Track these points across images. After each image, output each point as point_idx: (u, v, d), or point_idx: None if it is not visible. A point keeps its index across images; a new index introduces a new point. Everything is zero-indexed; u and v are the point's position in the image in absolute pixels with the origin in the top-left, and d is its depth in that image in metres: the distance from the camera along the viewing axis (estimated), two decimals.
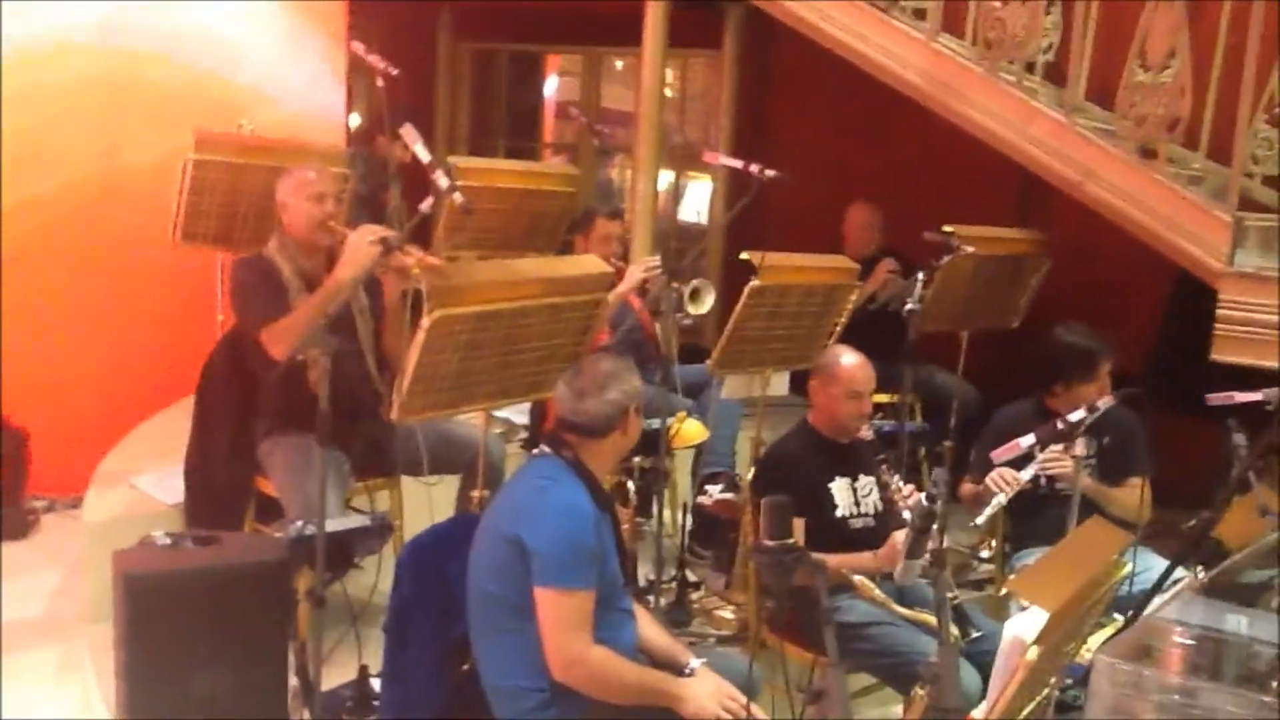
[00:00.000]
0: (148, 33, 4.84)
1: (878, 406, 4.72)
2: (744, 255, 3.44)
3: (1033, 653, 1.81)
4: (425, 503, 3.43)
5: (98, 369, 4.92)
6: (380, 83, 4.17)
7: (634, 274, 3.98)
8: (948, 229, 4.02)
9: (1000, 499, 3.49)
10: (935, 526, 1.98)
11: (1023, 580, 1.95)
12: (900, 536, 3.12)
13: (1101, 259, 5.32)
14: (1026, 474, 3.52)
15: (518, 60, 7.50)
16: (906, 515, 3.19)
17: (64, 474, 4.88)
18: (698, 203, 7.67)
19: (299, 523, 2.75)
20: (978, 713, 1.94)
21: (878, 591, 2.71)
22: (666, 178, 5.86)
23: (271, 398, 3.47)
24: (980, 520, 3.49)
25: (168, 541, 2.61)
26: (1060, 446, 3.56)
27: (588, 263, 2.88)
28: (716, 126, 6.30)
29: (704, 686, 2.57)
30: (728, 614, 3.91)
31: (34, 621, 3.91)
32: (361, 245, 3.15)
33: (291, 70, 5.24)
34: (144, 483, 3.89)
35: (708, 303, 3.90)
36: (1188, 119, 3.95)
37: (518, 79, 7.53)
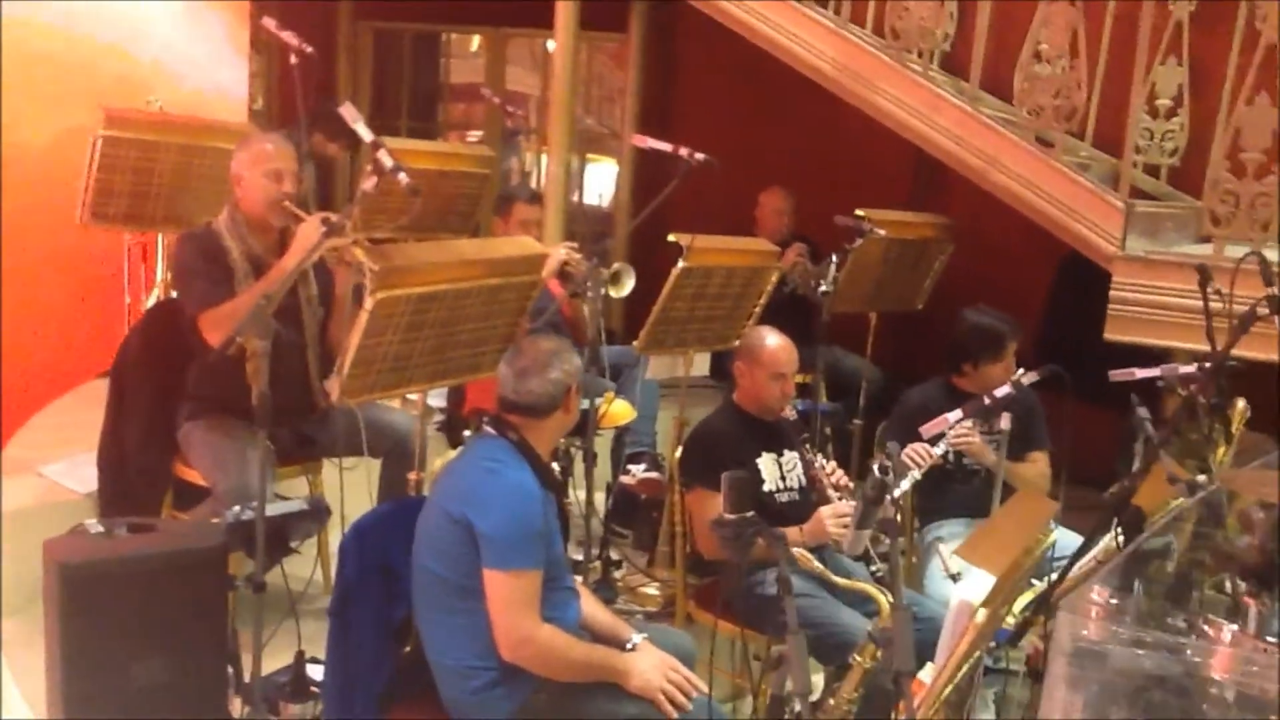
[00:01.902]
0: (45, 4, 4.66)
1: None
2: (672, 237, 3.50)
3: (980, 615, 1.92)
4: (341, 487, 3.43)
5: None
6: (294, 60, 4.10)
7: (555, 258, 4.01)
8: (860, 213, 4.15)
9: (915, 473, 3.63)
10: (886, 498, 2.07)
11: (968, 547, 2.06)
12: (826, 511, 3.25)
13: (989, 244, 5.55)
14: (939, 449, 3.67)
15: (419, 40, 7.42)
16: (832, 492, 3.32)
17: None
18: (599, 186, 7.71)
19: (236, 508, 2.71)
20: (927, 673, 2.04)
21: (816, 563, 2.80)
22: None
23: (198, 380, 3.40)
24: (897, 493, 3.62)
25: (101, 529, 2.56)
26: (969, 423, 3.74)
27: (524, 244, 2.91)
28: (622, 110, 6.34)
29: (647, 660, 2.63)
30: (652, 590, 3.98)
31: None
32: (311, 233, 3.07)
33: (194, 46, 5.10)
34: (53, 471, 3.78)
35: (628, 285, 3.95)
36: (1083, 110, 4.16)
37: (419, 60, 7.45)
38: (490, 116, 6.73)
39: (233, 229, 3.36)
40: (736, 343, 3.92)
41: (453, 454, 3.24)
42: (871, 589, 2.87)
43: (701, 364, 3.97)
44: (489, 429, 2.66)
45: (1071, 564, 2.38)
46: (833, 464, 3.37)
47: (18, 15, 4.55)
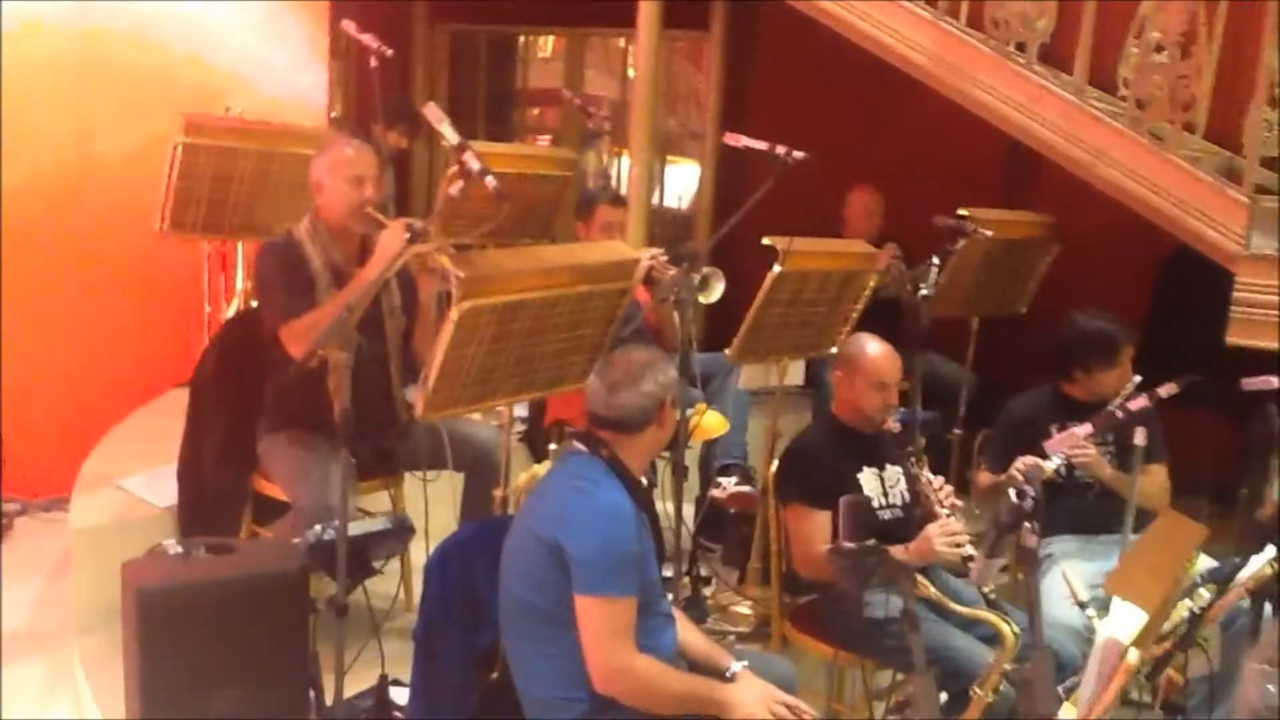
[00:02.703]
0: (121, 12, 4.64)
1: None
2: (767, 240, 3.33)
3: (1133, 655, 1.72)
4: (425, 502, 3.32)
5: (71, 365, 4.73)
6: (374, 62, 4.00)
7: (640, 264, 3.85)
8: (962, 212, 3.93)
9: (1030, 489, 3.42)
10: (1023, 525, 1.88)
11: (1117, 580, 1.85)
12: (934, 529, 3.05)
13: (1085, 244, 5.28)
14: (1052, 462, 3.45)
15: (494, 44, 7.33)
16: (942, 510, 3.11)
17: (37, 475, 4.69)
18: (679, 188, 7.55)
19: (316, 528, 2.60)
20: (1067, 713, 1.84)
21: (933, 590, 2.61)
22: None
23: (279, 394, 3.31)
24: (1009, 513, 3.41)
25: (179, 550, 2.46)
26: (1084, 434, 3.51)
27: (614, 249, 2.75)
28: (701, 110, 6.17)
29: (750, 692, 2.46)
30: (744, 609, 3.80)
31: (16, 633, 3.71)
32: (395, 240, 2.96)
33: (272, 53, 5.05)
34: (132, 484, 3.71)
35: (718, 291, 3.76)
36: (1202, 101, 3.90)
37: (493, 63, 7.35)
38: (566, 120, 6.61)
39: (314, 237, 3.26)
40: (833, 350, 3.75)
41: (538, 468, 3.09)
42: (995, 619, 2.66)
43: (796, 372, 3.77)
44: (579, 445, 2.51)
45: (1222, 590, 2.16)
46: (939, 479, 3.16)
47: (94, 26, 4.53)
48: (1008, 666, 2.50)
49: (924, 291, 3.82)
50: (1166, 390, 3.07)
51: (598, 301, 2.74)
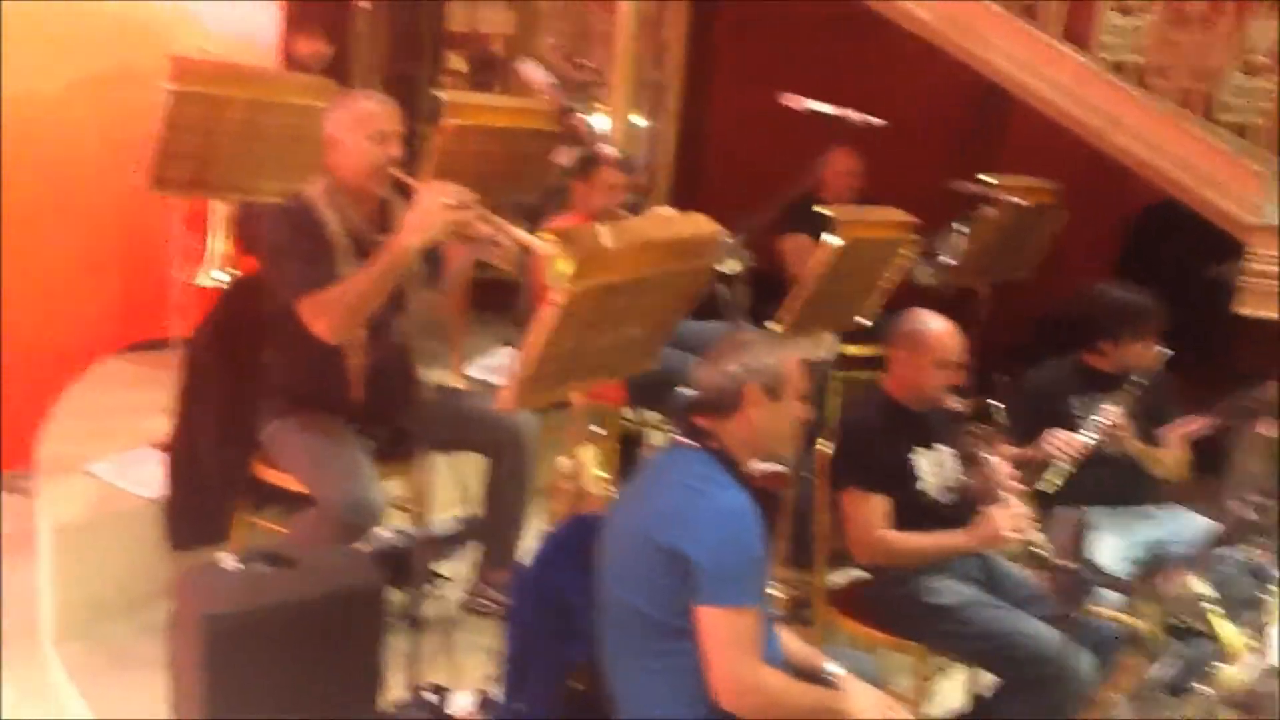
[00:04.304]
0: None
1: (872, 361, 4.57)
2: (822, 209, 3.14)
3: None
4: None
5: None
6: (365, 3, 3.64)
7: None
8: (986, 178, 3.82)
9: (1065, 467, 3.37)
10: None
11: None
12: (999, 514, 2.94)
13: None
14: (1087, 438, 3.41)
15: None
16: (1006, 494, 3.01)
17: None
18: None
19: (384, 532, 2.34)
20: None
21: None
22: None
23: (288, 372, 3.00)
24: (1046, 488, 3.35)
25: (239, 566, 2.16)
26: (1122, 411, 3.47)
27: (700, 222, 2.52)
28: (667, 61, 5.90)
29: (866, 698, 2.32)
30: (776, 592, 3.65)
31: None
32: (434, 207, 2.68)
33: None
34: (102, 471, 3.34)
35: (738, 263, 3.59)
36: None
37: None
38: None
39: (329, 200, 2.94)
40: (867, 323, 3.61)
41: (582, 454, 2.87)
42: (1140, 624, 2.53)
43: (832, 345, 3.61)
44: (683, 438, 2.30)
45: None
46: (1002, 459, 3.06)
47: None
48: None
49: (946, 259, 3.71)
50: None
51: (682, 280, 2.52)
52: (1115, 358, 3.58)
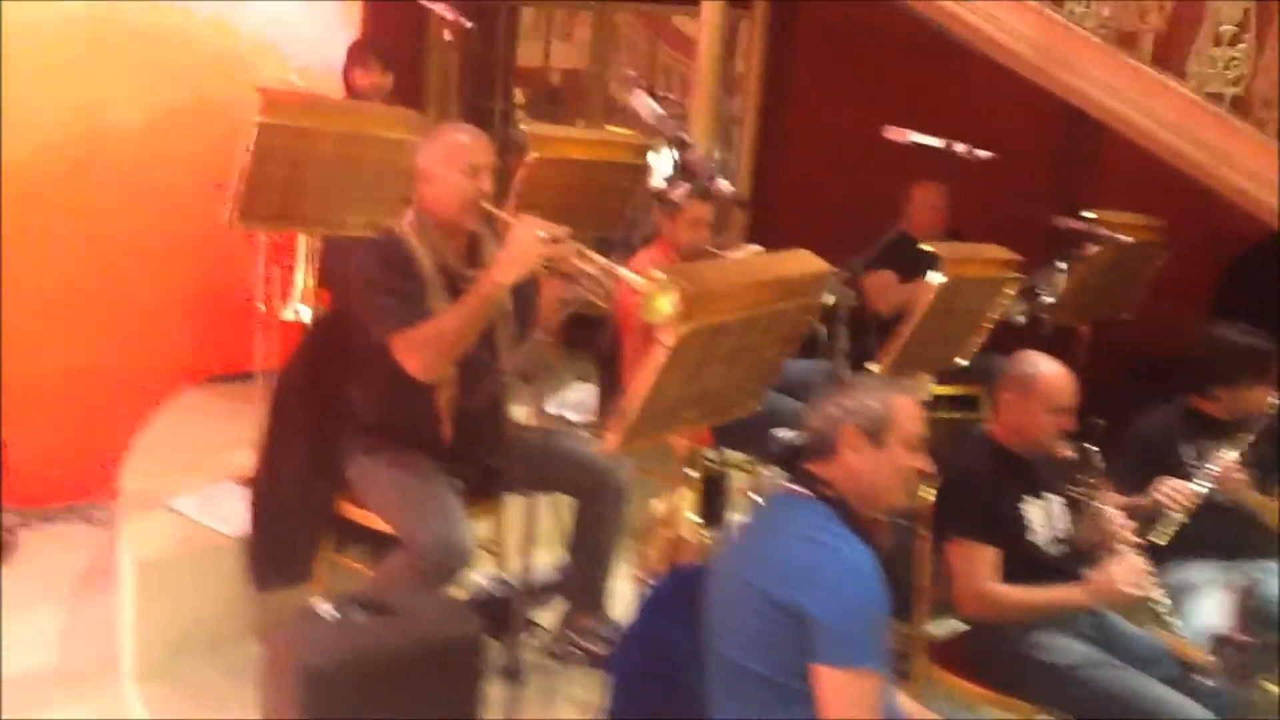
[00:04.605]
0: None
1: (960, 401, 4.42)
2: (927, 246, 3.03)
3: None
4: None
5: (77, 359, 4.24)
6: (448, 36, 3.60)
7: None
8: (1088, 214, 3.68)
9: (1178, 516, 3.21)
10: None
11: None
12: (1118, 569, 2.78)
13: None
14: (1201, 487, 3.24)
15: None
16: (1123, 547, 2.86)
17: (38, 482, 4.20)
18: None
19: (480, 580, 2.24)
20: None
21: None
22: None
23: (376, 409, 2.93)
24: (1158, 539, 3.18)
25: (335, 614, 2.08)
26: (1235, 456, 3.30)
27: (803, 259, 2.43)
28: (741, 93, 5.83)
29: None
30: None
31: (44, 673, 3.27)
32: (529, 242, 2.62)
33: (300, 18, 4.58)
34: (185, 506, 3.29)
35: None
36: None
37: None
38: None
39: (420, 234, 2.88)
40: (963, 363, 3.48)
41: (677, 499, 2.76)
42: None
43: (927, 387, 3.48)
44: (797, 488, 2.19)
45: None
46: (1120, 511, 2.91)
47: None
48: None
49: (1047, 298, 3.57)
50: None
51: (787, 319, 2.42)
52: (1229, 403, 3.42)
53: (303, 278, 3.56)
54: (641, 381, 2.12)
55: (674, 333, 2.06)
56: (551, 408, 4.37)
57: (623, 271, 2.48)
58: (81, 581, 3.84)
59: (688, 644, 2.19)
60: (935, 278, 2.98)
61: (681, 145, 2.20)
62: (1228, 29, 3.85)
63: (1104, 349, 4.31)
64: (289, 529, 3.06)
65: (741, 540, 2.26)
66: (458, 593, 2.35)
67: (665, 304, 2.08)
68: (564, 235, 2.70)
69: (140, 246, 4.33)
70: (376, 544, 3.15)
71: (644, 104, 2.25)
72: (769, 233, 4.82)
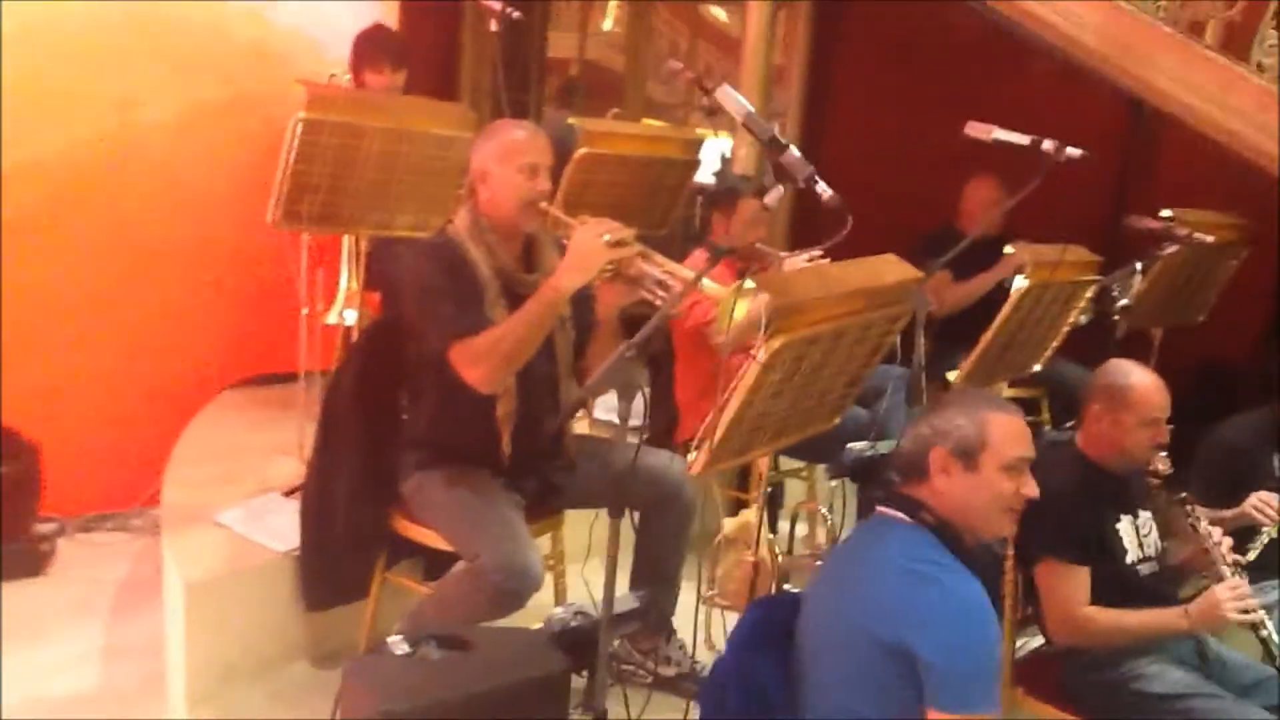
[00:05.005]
0: None
1: (1021, 405, 4.26)
2: (1009, 249, 2.88)
3: None
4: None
5: (110, 362, 4.13)
6: (495, 26, 3.46)
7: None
8: (1166, 213, 3.52)
9: (1271, 530, 3.05)
10: None
11: None
12: (1222, 591, 2.62)
13: None
14: None
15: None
16: (1224, 569, 2.70)
17: (71, 489, 4.09)
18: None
19: (559, 612, 2.11)
20: None
21: None
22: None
23: (433, 422, 2.79)
24: (1252, 555, 3.03)
25: (408, 649, 1.94)
26: None
27: (894, 267, 2.28)
28: (785, 87, 5.66)
29: None
30: None
31: (92, 694, 3.15)
32: (594, 245, 2.48)
33: (338, 11, 4.44)
34: (232, 520, 3.15)
35: None
36: None
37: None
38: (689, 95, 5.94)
39: (476, 237, 2.73)
40: (1037, 368, 3.33)
41: (748, 515, 2.62)
42: None
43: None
44: (894, 512, 2.04)
45: None
46: (1217, 530, 2.75)
47: None
48: None
49: (1123, 301, 3.41)
50: None
51: (874, 329, 2.27)
52: None
53: (347, 280, 3.42)
54: (733, 400, 1.98)
55: (767, 347, 1.92)
56: (601, 413, 4.24)
57: (688, 273, 2.33)
58: (121, 593, 3.73)
59: (781, 682, 2.05)
60: (1019, 282, 2.82)
61: (776, 146, 2.02)
62: None
63: (1173, 353, 4.15)
64: (341, 546, 2.94)
65: (835, 568, 2.12)
66: (533, 624, 2.20)
67: (742, 310, 1.94)
68: (629, 237, 2.56)
69: (175, 246, 4.21)
70: (429, 559, 3.04)
71: (733, 100, 2.08)
72: (807, 230, 4.66)
